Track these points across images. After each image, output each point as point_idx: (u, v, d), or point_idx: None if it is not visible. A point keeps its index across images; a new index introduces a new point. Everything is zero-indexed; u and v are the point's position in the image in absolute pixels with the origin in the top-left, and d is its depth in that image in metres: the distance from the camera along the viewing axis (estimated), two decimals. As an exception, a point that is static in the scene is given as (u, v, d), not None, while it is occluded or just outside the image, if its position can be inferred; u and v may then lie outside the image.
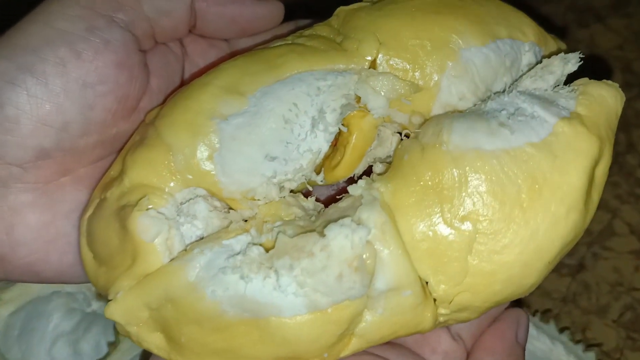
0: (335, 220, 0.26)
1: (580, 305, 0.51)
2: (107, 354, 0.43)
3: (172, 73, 0.33)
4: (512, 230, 0.26)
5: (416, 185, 0.27)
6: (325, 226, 0.26)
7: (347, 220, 0.26)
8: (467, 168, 0.26)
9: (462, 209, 0.26)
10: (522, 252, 0.26)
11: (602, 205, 0.55)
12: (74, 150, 0.30)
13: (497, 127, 0.26)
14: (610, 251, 0.53)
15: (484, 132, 0.26)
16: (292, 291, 0.26)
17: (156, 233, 0.27)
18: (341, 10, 0.31)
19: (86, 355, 0.44)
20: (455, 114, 0.28)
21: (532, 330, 0.47)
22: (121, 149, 0.32)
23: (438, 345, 0.32)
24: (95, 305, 0.45)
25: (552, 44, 0.32)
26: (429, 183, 0.27)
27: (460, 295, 0.27)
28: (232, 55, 0.32)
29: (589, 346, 0.47)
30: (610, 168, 0.28)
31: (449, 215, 0.26)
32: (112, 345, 0.43)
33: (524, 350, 0.33)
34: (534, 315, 0.48)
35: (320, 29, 0.31)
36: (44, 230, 0.31)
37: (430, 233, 0.26)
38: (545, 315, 0.49)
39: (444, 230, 0.26)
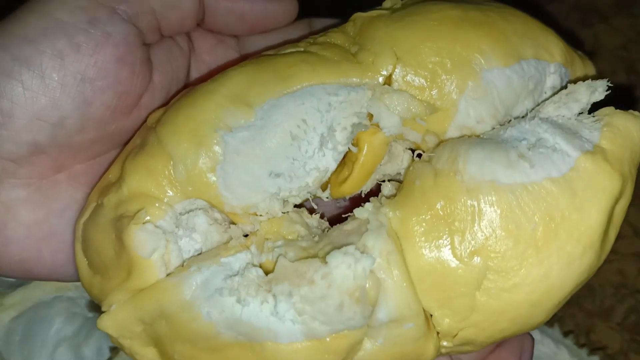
0: (339, 247, 0.25)
1: (584, 308, 0.50)
2: (109, 359, 0.42)
3: (176, 69, 0.32)
4: (524, 269, 0.25)
5: (426, 214, 0.25)
6: (328, 251, 0.25)
7: (350, 248, 0.25)
8: (482, 201, 0.25)
9: (473, 243, 0.25)
10: (532, 292, 0.25)
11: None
12: (69, 146, 0.29)
13: (517, 159, 0.25)
14: (614, 253, 0.51)
15: (502, 164, 0.25)
16: (290, 317, 0.25)
17: (153, 249, 0.26)
18: (358, 16, 0.29)
19: (88, 360, 0.44)
20: (472, 140, 0.26)
21: (537, 334, 0.47)
22: (120, 145, 0.31)
23: None
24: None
25: (579, 64, 0.30)
26: (440, 213, 0.25)
27: (465, 330, 0.26)
28: (242, 58, 0.31)
29: (593, 350, 0.47)
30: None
31: (459, 249, 0.25)
32: (114, 350, 0.43)
33: None
34: None
35: (335, 36, 0.29)
36: (37, 228, 0.30)
37: (438, 266, 0.25)
38: (550, 318, 0.49)
39: (452, 263, 0.25)
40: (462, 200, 0.25)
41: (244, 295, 0.25)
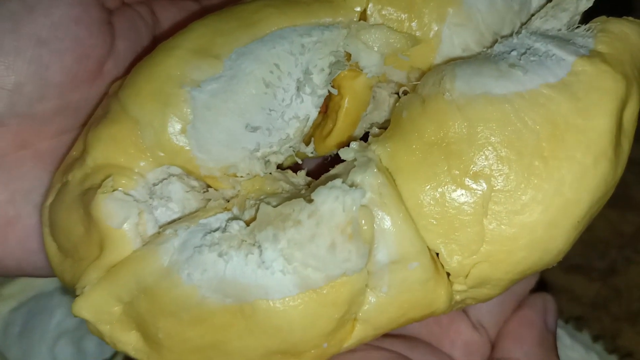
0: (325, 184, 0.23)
1: (611, 312, 0.49)
2: (115, 354, 0.40)
3: (141, 38, 0.30)
4: (533, 184, 0.22)
5: (418, 142, 0.23)
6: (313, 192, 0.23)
7: (337, 182, 0.22)
8: (476, 117, 0.23)
9: (473, 165, 0.22)
10: (546, 210, 0.22)
11: (635, 207, 0.54)
12: (31, 117, 0.27)
13: (507, 69, 0.23)
14: (641, 256, 0.50)
15: (493, 76, 0.23)
16: (279, 268, 0.22)
17: (124, 218, 0.23)
18: None
19: (90, 354, 0.41)
20: (457, 61, 0.24)
21: (566, 339, 0.45)
22: (86, 122, 0.29)
23: (457, 336, 0.28)
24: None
25: None
26: (433, 138, 0.23)
27: (478, 266, 0.23)
28: (204, 13, 0.29)
29: (622, 357, 0.45)
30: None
31: (458, 173, 0.23)
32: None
33: (555, 338, 0.29)
34: (566, 322, 0.46)
35: (302, -23, 0.27)
36: (1, 211, 0.27)
37: (438, 195, 0.23)
38: (579, 323, 0.47)
39: (453, 191, 0.23)
40: (455, 119, 0.23)
41: (226, 249, 0.22)
